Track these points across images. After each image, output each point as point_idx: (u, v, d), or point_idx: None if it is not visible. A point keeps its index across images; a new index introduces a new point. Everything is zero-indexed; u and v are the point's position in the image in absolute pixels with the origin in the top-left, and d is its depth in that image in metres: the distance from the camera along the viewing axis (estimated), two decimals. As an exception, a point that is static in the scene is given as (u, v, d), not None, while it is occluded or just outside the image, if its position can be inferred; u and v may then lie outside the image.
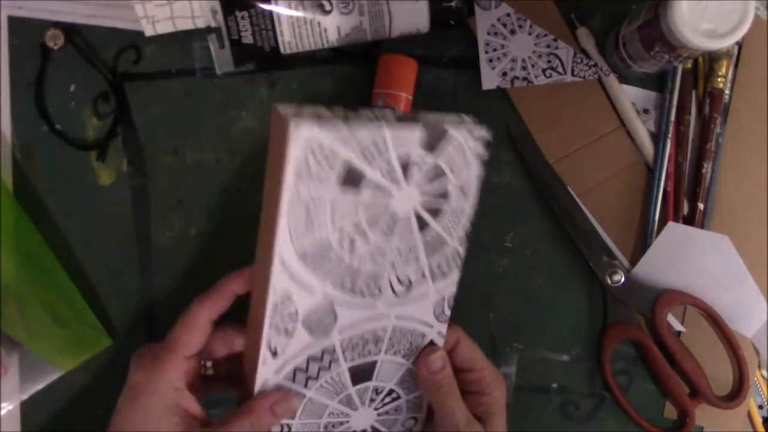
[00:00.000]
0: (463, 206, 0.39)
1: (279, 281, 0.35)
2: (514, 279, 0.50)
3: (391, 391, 0.42)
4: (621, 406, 0.49)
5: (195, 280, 0.51)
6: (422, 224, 0.38)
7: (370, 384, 0.41)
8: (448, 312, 0.41)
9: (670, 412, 0.50)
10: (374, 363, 0.40)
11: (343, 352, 0.39)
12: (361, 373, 0.40)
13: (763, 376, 0.52)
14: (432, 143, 0.36)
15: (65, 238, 0.51)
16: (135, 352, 0.39)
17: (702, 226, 0.49)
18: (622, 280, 0.49)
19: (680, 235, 0.49)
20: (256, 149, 0.51)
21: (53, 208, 0.51)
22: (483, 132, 0.37)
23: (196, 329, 0.38)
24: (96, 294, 0.51)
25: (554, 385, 0.50)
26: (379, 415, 0.43)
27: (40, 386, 0.50)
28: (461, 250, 0.40)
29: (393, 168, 0.35)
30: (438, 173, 0.37)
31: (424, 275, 0.39)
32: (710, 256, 0.49)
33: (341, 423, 0.42)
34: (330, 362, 0.39)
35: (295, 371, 0.38)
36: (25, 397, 0.50)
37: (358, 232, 0.36)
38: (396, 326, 0.40)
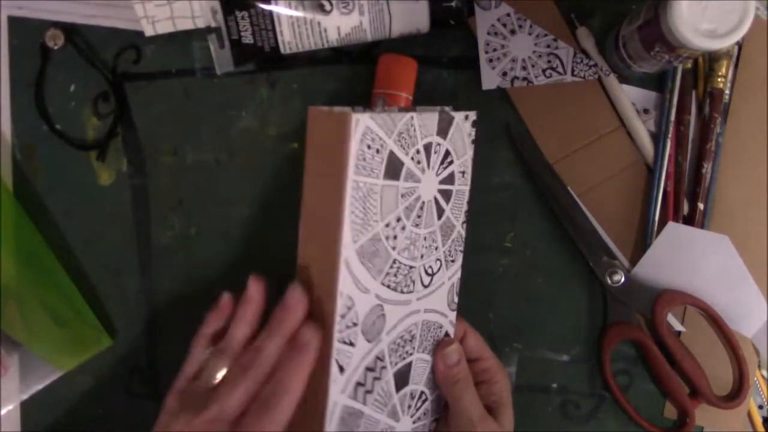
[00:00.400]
0: (463, 188, 0.40)
1: (345, 286, 0.33)
2: (514, 279, 0.50)
3: (421, 393, 0.41)
4: (621, 406, 0.49)
5: (195, 280, 0.51)
6: (439, 210, 0.38)
7: (408, 389, 0.40)
8: (456, 299, 0.41)
9: (670, 412, 0.50)
10: (410, 364, 0.40)
11: (389, 356, 0.38)
12: (401, 378, 0.39)
13: (763, 376, 0.52)
14: (444, 129, 0.37)
15: (65, 238, 0.51)
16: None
17: (702, 226, 0.49)
18: (622, 280, 0.49)
19: (680, 235, 0.49)
20: (256, 149, 0.51)
21: (53, 208, 0.51)
22: (473, 114, 0.40)
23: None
24: (96, 294, 0.51)
25: (554, 385, 0.50)
26: (414, 422, 0.41)
27: (40, 386, 0.50)
28: (463, 234, 0.41)
29: (421, 154, 0.36)
30: (447, 157, 0.38)
31: (441, 263, 0.39)
32: (710, 256, 0.49)
33: None
34: (381, 370, 0.37)
35: (356, 386, 0.36)
36: (25, 397, 0.50)
37: (399, 225, 0.36)
38: (424, 320, 0.39)
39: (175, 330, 0.51)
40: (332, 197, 0.33)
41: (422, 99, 0.49)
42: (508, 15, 0.50)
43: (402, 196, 0.35)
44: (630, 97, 0.50)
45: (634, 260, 0.50)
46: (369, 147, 0.33)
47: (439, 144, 0.37)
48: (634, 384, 0.50)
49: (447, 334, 0.41)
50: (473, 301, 0.50)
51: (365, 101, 0.49)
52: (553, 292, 0.50)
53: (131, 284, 0.51)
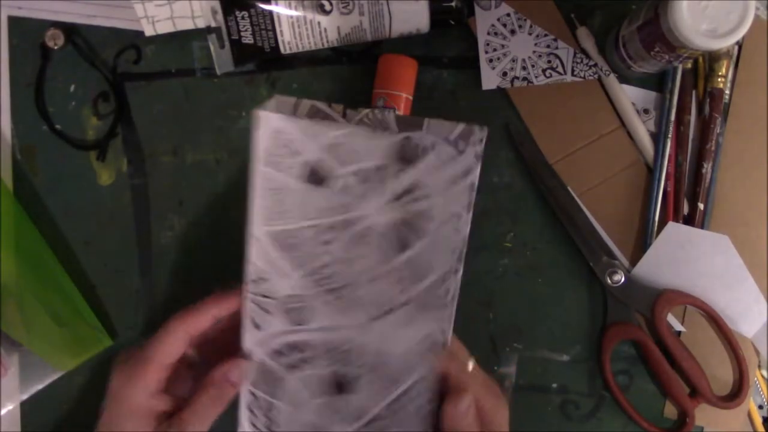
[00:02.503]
0: (446, 232, 0.35)
1: (255, 258, 0.37)
2: (514, 279, 0.50)
3: (376, 417, 0.38)
4: (621, 406, 0.49)
5: (195, 280, 0.51)
6: (401, 245, 0.36)
7: (352, 397, 0.38)
8: (441, 350, 0.37)
9: (670, 412, 0.50)
10: (358, 377, 0.38)
11: (326, 353, 0.37)
12: (343, 385, 0.38)
13: (763, 376, 0.52)
14: (409, 156, 0.34)
15: (65, 238, 0.51)
16: (116, 357, 0.40)
17: (702, 226, 0.49)
18: (622, 280, 0.49)
19: (680, 235, 0.49)
20: (256, 149, 0.51)
21: (53, 208, 0.51)
22: (478, 135, 0.35)
23: (174, 343, 0.39)
24: (96, 294, 0.51)
25: (554, 385, 0.50)
26: None
27: (40, 386, 0.50)
28: (451, 289, 0.36)
29: (367, 174, 0.34)
30: (419, 190, 0.35)
31: (408, 302, 0.37)
32: (710, 256, 0.49)
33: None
34: (312, 358, 0.38)
35: (275, 352, 0.38)
36: (25, 397, 0.50)
37: (333, 234, 0.36)
38: (380, 349, 0.37)
39: (175, 330, 0.51)
40: (251, 183, 0.37)
41: (422, 99, 0.49)
42: (508, 15, 0.50)
43: (335, 207, 0.35)
44: (630, 97, 0.50)
45: (634, 260, 0.50)
46: (285, 147, 0.35)
47: (402, 171, 0.34)
48: (634, 384, 0.50)
49: (426, 380, 0.38)
50: (473, 301, 0.50)
51: (365, 101, 0.49)
52: (553, 292, 0.50)
53: (131, 284, 0.51)
